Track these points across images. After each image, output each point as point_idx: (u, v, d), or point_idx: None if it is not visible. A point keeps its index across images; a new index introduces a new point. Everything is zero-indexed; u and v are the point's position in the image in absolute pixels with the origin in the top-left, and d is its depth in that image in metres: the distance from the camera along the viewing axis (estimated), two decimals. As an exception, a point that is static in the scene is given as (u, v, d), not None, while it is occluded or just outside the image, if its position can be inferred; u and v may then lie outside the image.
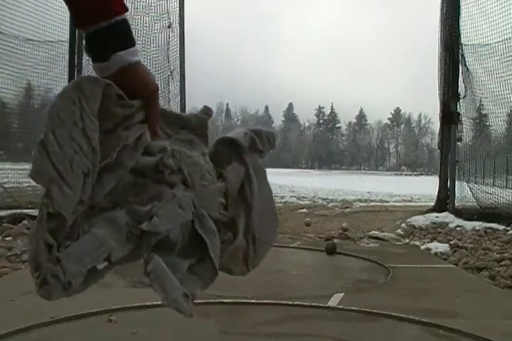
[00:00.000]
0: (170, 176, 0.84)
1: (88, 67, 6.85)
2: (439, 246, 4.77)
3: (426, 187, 14.16)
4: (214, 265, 0.85)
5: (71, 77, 6.65)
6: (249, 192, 0.95)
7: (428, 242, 5.14)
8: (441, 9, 7.53)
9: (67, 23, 6.64)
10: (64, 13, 6.16)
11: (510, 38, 6.58)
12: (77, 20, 0.82)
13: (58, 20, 6.71)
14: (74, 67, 6.71)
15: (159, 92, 0.89)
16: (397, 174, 62.97)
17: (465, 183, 7.45)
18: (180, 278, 0.80)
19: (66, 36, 6.77)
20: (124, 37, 0.84)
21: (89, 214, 0.77)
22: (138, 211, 0.79)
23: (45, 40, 6.76)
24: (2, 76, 6.36)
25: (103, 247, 0.73)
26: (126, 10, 0.84)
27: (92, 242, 0.73)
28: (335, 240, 4.88)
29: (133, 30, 0.86)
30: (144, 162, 0.83)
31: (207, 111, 0.99)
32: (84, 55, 6.69)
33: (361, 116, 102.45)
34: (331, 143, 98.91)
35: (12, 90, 6.76)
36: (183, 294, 0.78)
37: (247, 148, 0.96)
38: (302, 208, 9.27)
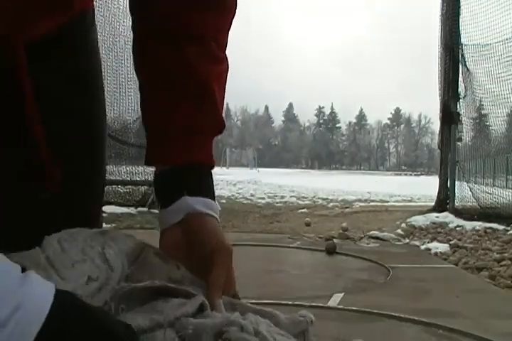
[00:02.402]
0: (241, 335, 0.54)
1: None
2: (439, 246, 4.77)
3: (426, 187, 14.17)
4: None
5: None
6: None
7: (428, 242, 5.15)
8: (441, 9, 7.54)
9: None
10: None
11: (510, 38, 6.59)
12: (152, 156, 0.75)
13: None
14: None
15: (228, 251, 0.68)
16: (397, 174, 63.03)
17: (465, 183, 7.46)
18: None
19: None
20: (198, 185, 0.72)
21: None
22: None
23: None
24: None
25: None
26: (211, 164, 0.75)
27: None
28: (335, 240, 4.88)
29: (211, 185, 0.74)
30: (198, 323, 0.55)
31: (308, 317, 0.69)
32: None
33: (361, 116, 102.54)
34: (331, 143, 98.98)
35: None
36: None
37: None
38: (302, 208, 9.27)
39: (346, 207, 9.78)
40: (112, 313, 0.51)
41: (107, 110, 0.83)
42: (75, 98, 0.73)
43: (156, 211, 7.55)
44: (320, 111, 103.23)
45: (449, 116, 7.31)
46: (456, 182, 7.44)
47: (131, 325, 0.49)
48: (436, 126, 8.05)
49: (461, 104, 7.32)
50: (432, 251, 4.60)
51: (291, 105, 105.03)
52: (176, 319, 0.56)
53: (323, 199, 12.36)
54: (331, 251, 4.19)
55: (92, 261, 0.57)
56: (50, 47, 0.69)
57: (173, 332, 0.55)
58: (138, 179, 7.76)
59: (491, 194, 7.23)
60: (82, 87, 0.74)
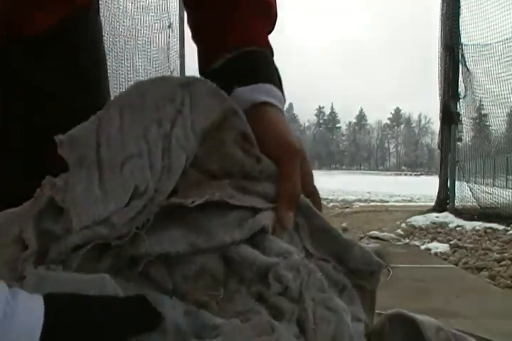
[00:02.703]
0: (279, 299, 0.47)
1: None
2: (439, 246, 4.77)
3: (426, 187, 14.17)
4: None
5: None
6: None
7: (428, 242, 5.15)
8: (441, 9, 7.53)
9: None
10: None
11: (510, 38, 6.59)
12: (202, 58, 0.65)
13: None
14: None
15: (296, 159, 0.54)
16: (397, 174, 63.01)
17: (465, 183, 7.45)
18: None
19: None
20: (255, 71, 0.59)
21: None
22: (204, 319, 0.44)
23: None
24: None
25: None
26: (269, 46, 0.62)
27: None
28: (335, 240, 4.87)
29: (271, 66, 0.60)
30: (246, 255, 0.48)
31: (383, 254, 0.61)
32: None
33: (361, 116, 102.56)
34: (331, 143, 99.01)
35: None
36: None
37: None
38: (302, 208, 9.26)
39: (346, 207, 9.77)
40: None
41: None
42: (76, 95, 0.73)
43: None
44: (320, 111, 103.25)
45: (449, 116, 7.30)
46: (456, 182, 7.43)
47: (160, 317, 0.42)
48: (436, 126, 8.06)
49: (461, 104, 7.32)
50: (432, 251, 4.60)
51: (291, 105, 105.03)
52: (225, 245, 0.48)
53: (323, 199, 12.27)
54: (331, 251, 4.20)
55: (149, 155, 0.47)
56: (50, 44, 0.69)
57: (215, 258, 0.48)
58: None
59: (491, 194, 7.22)
60: (83, 84, 0.74)
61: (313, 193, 0.57)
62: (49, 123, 0.68)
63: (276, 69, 0.62)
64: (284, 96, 0.60)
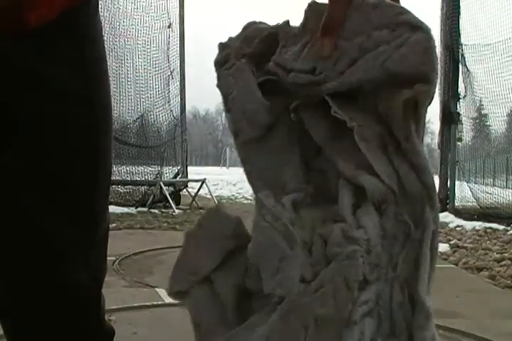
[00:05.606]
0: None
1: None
2: (439, 246, 4.76)
3: (426, 187, 14.13)
4: None
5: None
6: None
7: (428, 242, 5.15)
8: (441, 9, 7.53)
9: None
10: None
11: (510, 38, 6.59)
12: None
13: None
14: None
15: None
16: (397, 174, 62.74)
17: (465, 183, 7.45)
18: None
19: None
20: None
21: None
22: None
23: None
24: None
25: None
26: None
27: None
28: (335, 240, 4.87)
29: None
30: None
31: None
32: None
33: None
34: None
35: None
36: None
37: None
38: (302, 208, 9.25)
39: (346, 207, 9.74)
40: None
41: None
42: (76, 82, 0.74)
43: (156, 211, 7.38)
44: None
45: (449, 116, 7.30)
46: (456, 182, 7.43)
47: None
48: (436, 126, 8.02)
49: (461, 104, 7.32)
50: (432, 251, 4.60)
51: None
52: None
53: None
54: (331, 251, 4.19)
55: None
56: (54, 35, 0.71)
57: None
58: (138, 179, 7.76)
59: (491, 194, 7.22)
60: (85, 74, 0.75)
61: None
62: (48, 111, 0.69)
63: None
64: None
